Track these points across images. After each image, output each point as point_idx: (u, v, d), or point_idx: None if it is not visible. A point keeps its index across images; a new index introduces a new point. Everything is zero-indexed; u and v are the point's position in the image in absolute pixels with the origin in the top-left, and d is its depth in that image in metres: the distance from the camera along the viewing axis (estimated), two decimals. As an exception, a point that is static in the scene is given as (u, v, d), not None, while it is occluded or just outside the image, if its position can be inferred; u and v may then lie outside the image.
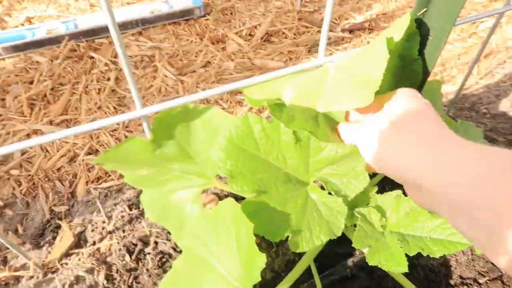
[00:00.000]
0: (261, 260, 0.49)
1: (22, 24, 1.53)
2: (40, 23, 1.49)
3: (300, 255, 0.79)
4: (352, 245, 0.59)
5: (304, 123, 0.51)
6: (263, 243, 0.79)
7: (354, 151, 0.55)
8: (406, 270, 0.56)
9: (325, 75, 0.52)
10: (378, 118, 0.48)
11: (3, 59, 1.35)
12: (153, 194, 0.67)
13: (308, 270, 0.68)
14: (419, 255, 0.58)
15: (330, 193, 0.60)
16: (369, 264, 0.58)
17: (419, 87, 0.67)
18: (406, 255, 0.58)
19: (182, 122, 0.63)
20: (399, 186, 0.50)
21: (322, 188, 0.62)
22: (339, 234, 0.57)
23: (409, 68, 0.62)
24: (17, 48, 1.36)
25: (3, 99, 1.20)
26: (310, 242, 0.56)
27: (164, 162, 0.64)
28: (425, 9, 0.59)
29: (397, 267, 0.57)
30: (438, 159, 0.40)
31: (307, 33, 1.46)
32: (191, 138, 0.64)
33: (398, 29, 0.51)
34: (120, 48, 0.49)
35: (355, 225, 0.65)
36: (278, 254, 0.78)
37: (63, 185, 0.98)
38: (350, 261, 0.78)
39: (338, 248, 0.81)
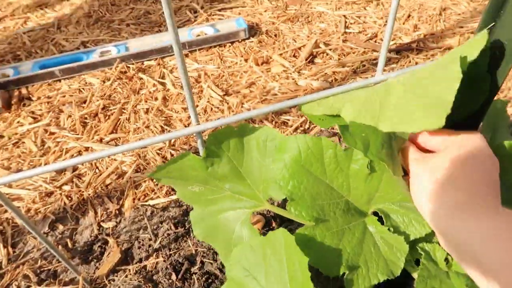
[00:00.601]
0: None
1: (78, 48, 1.62)
2: (94, 47, 1.57)
3: None
4: (415, 286, 0.55)
5: (380, 151, 0.48)
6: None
7: None
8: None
9: (390, 93, 0.50)
10: (447, 168, 0.46)
11: (60, 80, 1.42)
12: (203, 212, 0.67)
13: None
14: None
15: (389, 229, 0.57)
16: (434, 309, 0.53)
17: (484, 107, 0.63)
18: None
19: (237, 141, 0.62)
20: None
21: (380, 220, 0.58)
22: (398, 273, 0.54)
23: (475, 86, 0.58)
24: (73, 70, 1.43)
25: (58, 118, 1.26)
26: (366, 280, 0.53)
27: (215, 180, 0.64)
28: (493, 23, 0.55)
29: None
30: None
31: (352, 54, 1.44)
32: (245, 158, 0.63)
33: (473, 48, 0.48)
34: (182, 66, 0.50)
35: (417, 260, 0.61)
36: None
37: (111, 201, 0.99)
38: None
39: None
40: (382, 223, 0.58)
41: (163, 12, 1.76)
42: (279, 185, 0.56)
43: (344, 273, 0.53)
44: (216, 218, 0.66)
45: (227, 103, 1.26)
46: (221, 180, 0.63)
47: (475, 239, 0.39)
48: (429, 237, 0.63)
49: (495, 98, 0.67)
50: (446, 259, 0.59)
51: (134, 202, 0.98)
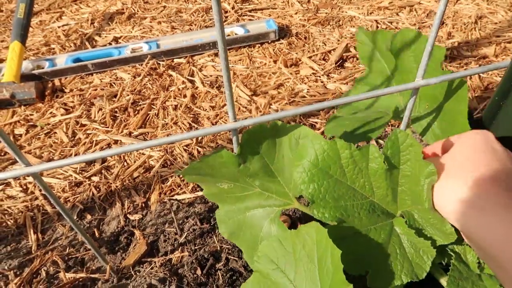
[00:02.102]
0: (348, 290, 0.46)
1: (110, 43, 1.65)
2: (125, 43, 1.60)
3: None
4: (445, 286, 0.53)
5: None
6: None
7: None
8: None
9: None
10: (460, 163, 0.50)
11: (92, 74, 1.46)
12: (229, 210, 0.67)
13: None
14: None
15: (415, 232, 0.56)
16: (464, 312, 0.52)
17: None
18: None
19: (270, 138, 0.62)
20: None
21: (408, 222, 0.57)
22: (423, 277, 0.52)
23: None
24: (104, 65, 1.46)
25: (89, 110, 1.29)
26: (389, 281, 0.52)
27: (246, 177, 0.64)
28: None
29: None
30: None
31: (383, 59, 1.42)
32: (276, 156, 0.63)
33: None
34: (225, 63, 0.50)
35: (440, 263, 0.59)
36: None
37: (138, 194, 1.01)
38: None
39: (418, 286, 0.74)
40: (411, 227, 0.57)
41: (194, 11, 1.79)
42: (300, 190, 0.56)
43: (367, 272, 0.53)
44: (243, 216, 0.66)
45: (255, 103, 1.26)
46: (252, 177, 0.63)
47: (496, 237, 0.40)
48: (459, 241, 0.61)
49: None
50: (479, 263, 0.57)
51: (160, 196, 0.99)
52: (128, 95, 1.33)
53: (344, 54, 1.44)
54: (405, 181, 0.56)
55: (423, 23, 1.60)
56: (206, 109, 1.26)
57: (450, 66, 1.37)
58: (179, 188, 1.01)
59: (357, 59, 1.43)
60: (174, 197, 0.98)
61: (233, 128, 0.56)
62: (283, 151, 0.63)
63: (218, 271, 0.75)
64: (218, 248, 0.80)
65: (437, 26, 0.55)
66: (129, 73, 1.43)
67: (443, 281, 0.58)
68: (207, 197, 0.68)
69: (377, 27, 1.58)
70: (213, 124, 1.22)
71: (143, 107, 1.28)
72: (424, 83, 0.62)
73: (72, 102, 1.33)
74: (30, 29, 1.66)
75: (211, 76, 1.41)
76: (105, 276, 0.75)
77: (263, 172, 0.63)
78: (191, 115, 1.24)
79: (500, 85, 0.62)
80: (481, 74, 1.31)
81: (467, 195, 0.45)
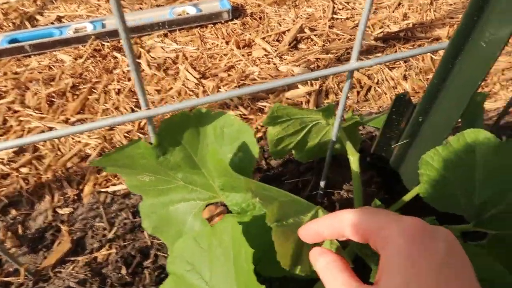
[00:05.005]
0: (261, 292, 0.42)
1: (52, 23, 1.53)
2: (69, 22, 1.49)
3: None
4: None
5: None
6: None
7: None
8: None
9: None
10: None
11: (30, 56, 1.35)
12: (153, 203, 0.62)
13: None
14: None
15: None
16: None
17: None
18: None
19: (192, 128, 0.57)
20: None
21: None
22: None
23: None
24: (44, 46, 1.35)
25: (23, 95, 1.19)
26: (279, 270, 0.49)
27: (167, 169, 0.58)
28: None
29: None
30: None
31: (338, 40, 1.38)
32: (200, 146, 0.58)
33: None
34: (127, 44, 0.44)
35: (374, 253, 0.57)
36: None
37: (70, 186, 0.94)
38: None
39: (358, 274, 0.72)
40: None
41: (142, -12, 1.67)
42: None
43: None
44: (167, 210, 0.61)
45: (203, 87, 1.20)
46: (174, 169, 0.58)
47: None
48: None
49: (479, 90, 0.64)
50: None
51: (94, 187, 0.93)
52: (67, 78, 1.24)
53: (298, 35, 1.39)
54: None
55: (380, 3, 1.56)
56: (151, 93, 1.19)
57: (404, 48, 1.34)
58: (115, 179, 0.94)
59: (312, 40, 1.38)
60: (109, 188, 0.92)
61: (145, 117, 0.51)
62: (207, 140, 0.58)
63: (146, 269, 0.70)
64: (149, 243, 0.75)
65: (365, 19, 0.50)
66: (70, 55, 1.33)
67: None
68: (130, 190, 0.63)
69: (334, 7, 1.54)
70: (157, 109, 1.15)
71: (83, 91, 1.20)
72: (359, 65, 0.58)
73: (5, 86, 1.22)
74: (-39, 6, 1.52)
75: (159, 58, 1.33)
76: (19, 279, 0.69)
77: (185, 164, 0.58)
78: (134, 100, 1.17)
79: (439, 67, 0.59)
80: (432, 56, 1.30)
81: None
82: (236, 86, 1.20)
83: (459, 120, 0.61)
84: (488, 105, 1.14)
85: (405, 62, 1.30)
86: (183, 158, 0.57)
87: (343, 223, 0.35)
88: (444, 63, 0.56)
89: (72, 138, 1.06)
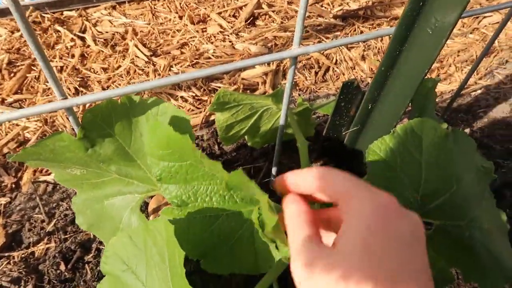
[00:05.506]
0: (194, 296, 0.40)
1: (-14, -10, 1.39)
2: (5, -10, 1.35)
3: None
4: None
5: None
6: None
7: None
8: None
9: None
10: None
11: (-41, 27, 1.22)
12: (87, 198, 0.57)
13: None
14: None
15: None
16: None
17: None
18: None
19: (123, 117, 0.52)
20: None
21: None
22: (266, 271, 0.48)
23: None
24: (-24, 16, 1.23)
25: (-48, 72, 1.08)
26: (225, 268, 0.48)
27: (98, 162, 0.54)
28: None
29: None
30: None
31: (297, 17, 1.33)
32: (133, 136, 0.54)
33: None
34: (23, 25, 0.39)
35: None
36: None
37: (7, 173, 0.87)
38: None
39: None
40: None
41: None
42: (151, 163, 0.48)
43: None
44: (102, 205, 0.56)
45: (154, 65, 1.13)
46: (105, 162, 0.54)
47: None
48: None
49: (427, 76, 0.63)
50: None
51: (34, 175, 0.86)
52: (2, 54, 1.13)
53: (255, 11, 1.33)
54: None
55: (340, -21, 1.52)
56: (97, 72, 1.11)
57: (363, 27, 1.32)
58: (56, 165, 0.88)
59: (270, 16, 1.33)
60: (50, 176, 0.85)
61: (62, 107, 0.46)
62: (140, 130, 0.54)
63: (87, 264, 0.66)
64: (91, 236, 0.71)
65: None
66: (5, 28, 1.22)
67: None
68: (60, 184, 0.58)
69: (294, -19, 1.48)
70: (104, 89, 1.07)
71: (21, 68, 1.10)
72: (302, 51, 0.55)
73: None
74: None
75: (106, 32, 1.24)
76: None
77: (118, 156, 0.54)
78: (79, 78, 1.09)
79: (386, 54, 0.57)
80: (391, 36, 1.28)
81: None
82: (189, 65, 1.14)
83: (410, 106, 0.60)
84: (443, 87, 1.15)
85: (363, 41, 1.28)
86: (115, 150, 0.53)
87: (315, 179, 0.33)
88: (390, 50, 0.53)
89: (9, 121, 0.98)
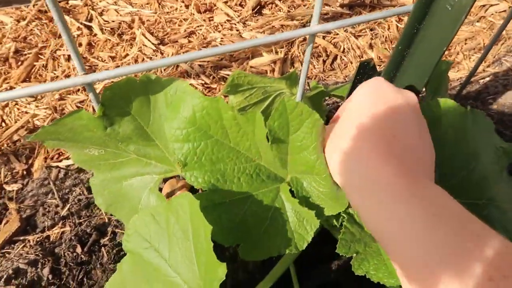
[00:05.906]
0: (221, 270, 0.40)
1: (-9, -20, 1.38)
2: (9, -20, 1.34)
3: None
4: (336, 251, 0.50)
5: None
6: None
7: None
8: (399, 283, 0.47)
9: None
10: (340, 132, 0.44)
11: (-35, 16, 1.21)
12: (105, 178, 0.57)
13: (288, 272, 0.60)
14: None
15: (300, 201, 0.50)
16: (356, 273, 0.49)
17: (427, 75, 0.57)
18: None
19: (141, 96, 0.52)
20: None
21: (295, 190, 0.52)
22: (303, 247, 0.48)
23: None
24: (-19, 6, 1.22)
25: (-40, 61, 1.07)
26: (264, 252, 0.47)
27: (117, 142, 0.54)
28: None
29: (389, 279, 0.48)
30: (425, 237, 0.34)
31: (303, 6, 1.33)
32: (152, 116, 0.54)
33: None
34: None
35: (341, 224, 0.56)
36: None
37: (18, 160, 0.87)
38: (335, 264, 0.69)
39: (323, 247, 0.72)
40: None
41: None
42: (173, 149, 0.47)
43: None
44: (121, 185, 0.57)
45: (162, 54, 1.13)
46: (124, 141, 0.54)
47: (390, 226, 0.35)
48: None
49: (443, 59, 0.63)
50: None
51: (45, 161, 0.86)
52: (9, 42, 1.13)
53: (262, 0, 1.32)
54: (296, 151, 0.50)
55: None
56: (104, 60, 1.11)
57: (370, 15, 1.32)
58: (68, 152, 0.88)
59: (276, 5, 1.33)
60: (61, 162, 0.85)
61: (83, 83, 0.45)
62: (159, 110, 0.53)
63: (103, 247, 0.66)
64: (106, 220, 0.71)
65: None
66: (11, 16, 1.21)
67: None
68: (78, 165, 0.58)
69: (299, -29, 1.48)
70: (112, 78, 1.07)
71: (29, 57, 1.09)
72: (320, 29, 0.55)
73: None
74: None
75: (113, 21, 1.23)
76: (-40, 261, 0.64)
77: (137, 136, 0.54)
78: (87, 67, 1.08)
79: (403, 32, 0.57)
80: (398, 24, 1.28)
81: (347, 150, 0.40)
82: (197, 53, 1.13)
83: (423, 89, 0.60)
84: (451, 74, 1.15)
85: (371, 30, 1.28)
86: (133, 130, 0.53)
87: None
88: (408, 28, 0.53)
89: (18, 109, 0.97)
